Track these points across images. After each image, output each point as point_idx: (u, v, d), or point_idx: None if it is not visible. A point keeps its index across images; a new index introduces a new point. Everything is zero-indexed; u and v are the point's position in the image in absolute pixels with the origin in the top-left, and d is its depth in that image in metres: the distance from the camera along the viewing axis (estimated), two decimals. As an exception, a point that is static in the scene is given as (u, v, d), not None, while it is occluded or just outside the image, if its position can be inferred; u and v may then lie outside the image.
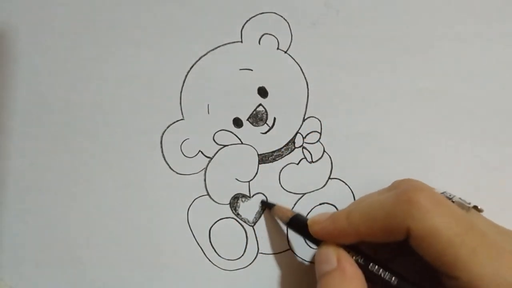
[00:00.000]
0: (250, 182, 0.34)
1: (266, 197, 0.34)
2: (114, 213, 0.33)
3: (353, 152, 0.34)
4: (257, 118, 0.34)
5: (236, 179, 0.34)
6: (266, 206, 0.34)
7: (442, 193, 0.28)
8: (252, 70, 0.34)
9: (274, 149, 0.34)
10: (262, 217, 0.34)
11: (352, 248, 0.29)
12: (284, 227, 0.34)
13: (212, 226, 0.34)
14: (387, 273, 0.27)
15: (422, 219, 0.25)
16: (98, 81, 0.33)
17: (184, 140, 0.34)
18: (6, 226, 0.33)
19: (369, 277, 0.28)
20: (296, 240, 0.34)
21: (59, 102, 0.33)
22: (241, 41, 0.34)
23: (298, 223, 0.31)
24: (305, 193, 0.34)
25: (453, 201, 0.28)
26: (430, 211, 0.25)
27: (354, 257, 0.28)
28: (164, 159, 0.33)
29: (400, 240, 0.26)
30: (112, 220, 0.33)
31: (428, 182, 0.34)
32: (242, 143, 0.34)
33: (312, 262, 0.34)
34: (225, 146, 0.34)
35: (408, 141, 0.34)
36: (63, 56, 0.33)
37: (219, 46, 0.34)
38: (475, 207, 0.28)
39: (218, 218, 0.34)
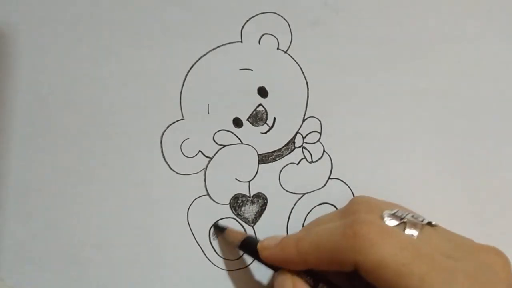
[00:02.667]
0: (250, 182, 0.34)
1: (266, 197, 0.34)
2: (114, 213, 0.33)
3: (353, 152, 0.34)
4: (257, 118, 0.34)
5: (236, 179, 0.34)
6: (219, 230, 0.33)
7: (394, 213, 0.28)
8: (252, 70, 0.34)
9: (274, 149, 0.34)
10: (262, 217, 0.34)
11: (307, 272, 0.28)
12: (284, 227, 0.34)
13: (212, 226, 0.34)
14: None
15: (367, 253, 0.25)
16: (98, 81, 0.33)
17: (184, 140, 0.34)
18: (6, 226, 0.33)
19: None
20: (296, 240, 0.34)
21: (59, 102, 0.33)
22: (241, 41, 0.34)
23: (249, 247, 0.31)
24: (305, 193, 0.34)
25: (404, 221, 0.27)
26: (375, 244, 0.25)
27: (308, 282, 0.28)
28: (164, 159, 0.33)
29: (350, 270, 0.26)
30: (112, 220, 0.33)
31: (427, 181, 0.34)
32: (242, 143, 0.34)
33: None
34: (225, 146, 0.34)
35: (408, 141, 0.34)
36: (63, 56, 0.33)
37: (219, 46, 0.34)
38: (429, 223, 0.27)
39: (218, 218, 0.34)
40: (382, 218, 0.27)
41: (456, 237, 0.28)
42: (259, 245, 0.30)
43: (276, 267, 0.29)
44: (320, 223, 0.30)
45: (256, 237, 0.34)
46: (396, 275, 0.24)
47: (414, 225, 0.27)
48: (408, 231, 0.27)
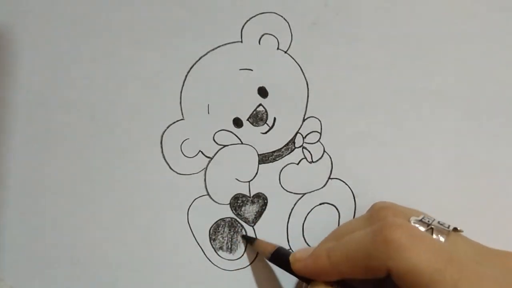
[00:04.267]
0: (250, 182, 0.34)
1: (266, 197, 0.34)
2: (114, 213, 0.33)
3: (353, 152, 0.34)
4: (257, 118, 0.34)
5: (236, 179, 0.34)
6: (247, 241, 0.34)
7: (421, 219, 0.28)
8: (252, 70, 0.34)
9: (274, 149, 0.34)
10: (262, 217, 0.34)
11: (340, 283, 0.28)
12: (284, 227, 0.34)
13: (212, 226, 0.34)
14: None
15: (400, 258, 0.25)
16: (98, 81, 0.33)
17: (184, 140, 0.34)
18: (7, 226, 0.33)
19: None
20: (296, 240, 0.34)
21: (59, 102, 0.33)
22: (241, 41, 0.34)
23: (280, 259, 0.31)
24: (305, 193, 0.34)
25: (432, 227, 0.27)
26: (407, 249, 0.25)
27: None
28: (164, 159, 0.33)
29: (383, 276, 0.26)
30: (112, 220, 0.33)
31: (427, 181, 0.34)
32: (242, 143, 0.34)
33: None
34: (225, 146, 0.34)
35: (408, 141, 0.34)
36: (63, 56, 0.33)
37: (219, 46, 0.34)
38: (455, 229, 0.27)
39: (218, 218, 0.34)
40: (409, 223, 0.27)
41: (477, 244, 0.28)
42: (291, 258, 0.30)
43: (308, 279, 0.29)
44: (347, 230, 0.30)
45: (289, 248, 0.34)
46: (429, 281, 0.24)
47: (441, 232, 0.27)
48: (436, 236, 0.27)
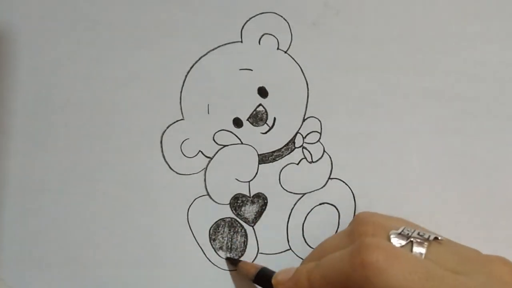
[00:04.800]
0: (250, 182, 0.34)
1: (266, 197, 0.34)
2: (114, 213, 0.33)
3: (353, 152, 0.34)
4: (257, 118, 0.34)
5: (236, 179, 0.34)
6: (231, 263, 0.33)
7: (400, 232, 0.27)
8: (252, 70, 0.34)
9: (274, 149, 0.34)
10: (262, 217, 0.34)
11: None
12: (284, 227, 0.34)
13: (212, 226, 0.34)
14: None
15: (378, 281, 0.24)
16: (98, 81, 0.33)
17: (184, 140, 0.34)
18: (6, 226, 0.33)
19: None
20: (296, 240, 0.34)
21: (59, 102, 0.33)
22: (241, 41, 0.34)
23: (264, 281, 0.31)
24: (305, 193, 0.34)
25: (411, 240, 0.27)
26: (384, 271, 0.24)
27: None
28: (164, 159, 0.33)
29: None
30: (112, 220, 0.33)
31: (427, 181, 0.34)
32: (242, 143, 0.34)
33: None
34: (225, 146, 0.34)
35: (408, 141, 0.34)
36: (63, 56, 0.33)
37: (219, 46, 0.34)
38: (436, 239, 0.27)
39: (218, 218, 0.34)
40: (389, 238, 0.27)
41: (462, 249, 0.27)
42: (273, 281, 0.30)
43: None
44: (329, 248, 0.29)
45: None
46: None
47: (420, 244, 0.27)
48: (416, 249, 0.26)
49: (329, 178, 0.34)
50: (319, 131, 0.34)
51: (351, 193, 0.34)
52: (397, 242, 0.27)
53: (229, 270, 0.34)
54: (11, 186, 0.33)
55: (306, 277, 0.28)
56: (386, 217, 0.30)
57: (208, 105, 0.34)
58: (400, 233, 0.27)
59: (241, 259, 0.33)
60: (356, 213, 0.34)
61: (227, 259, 0.34)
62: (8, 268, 0.33)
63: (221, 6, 0.34)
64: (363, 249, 0.25)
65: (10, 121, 0.33)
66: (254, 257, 0.34)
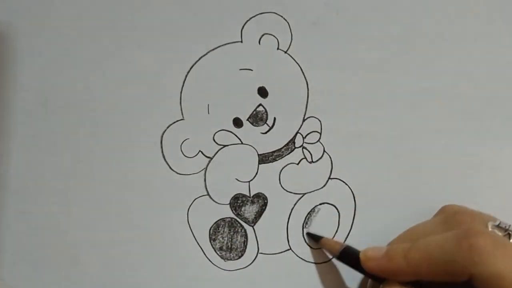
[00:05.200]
0: (250, 182, 0.34)
1: (266, 197, 0.34)
2: (114, 213, 0.33)
3: (353, 152, 0.34)
4: (257, 118, 0.34)
5: (236, 179, 0.34)
6: (312, 238, 0.34)
7: (497, 225, 0.28)
8: (252, 70, 0.34)
9: (274, 149, 0.34)
10: (262, 217, 0.34)
11: (416, 285, 0.28)
12: (284, 227, 0.34)
13: (212, 226, 0.34)
14: None
15: (484, 264, 0.25)
16: (98, 81, 0.33)
17: (184, 140, 0.34)
18: (6, 226, 0.33)
19: None
20: (296, 240, 0.34)
21: (59, 102, 0.33)
22: (241, 41, 0.34)
23: (349, 258, 0.31)
24: (305, 193, 0.34)
25: (509, 232, 0.28)
26: (492, 256, 0.25)
27: None
28: (164, 159, 0.33)
29: (460, 281, 0.26)
30: (112, 220, 0.33)
31: (427, 181, 0.34)
32: (242, 143, 0.34)
33: (312, 262, 0.34)
34: (225, 146, 0.34)
35: (408, 141, 0.34)
36: (63, 56, 0.33)
37: (219, 46, 0.34)
38: None
39: (218, 218, 0.34)
40: (488, 229, 0.28)
41: None
42: (362, 256, 0.30)
43: (379, 278, 0.29)
44: (422, 233, 0.30)
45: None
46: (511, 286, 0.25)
47: None
48: None
49: (329, 178, 0.34)
50: (319, 131, 0.34)
51: (351, 193, 0.34)
52: (495, 232, 0.28)
53: (229, 270, 0.34)
54: (11, 186, 0.33)
55: (403, 255, 0.28)
56: (478, 211, 0.31)
57: (208, 105, 0.34)
58: (497, 225, 0.28)
59: (323, 236, 0.33)
60: (356, 213, 0.34)
61: (308, 234, 0.34)
62: (8, 268, 0.33)
63: (221, 6, 0.34)
64: (472, 233, 0.26)
65: (10, 121, 0.33)
66: (254, 257, 0.34)
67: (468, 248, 0.26)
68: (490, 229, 0.28)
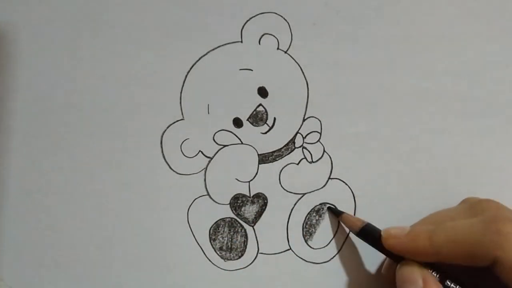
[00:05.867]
0: (250, 182, 0.34)
1: (266, 197, 0.34)
2: (114, 213, 0.33)
3: (353, 152, 0.34)
4: (257, 118, 0.34)
5: (236, 179, 0.34)
6: (333, 213, 0.34)
7: None
8: (252, 70, 0.34)
9: (274, 149, 0.34)
10: (262, 217, 0.34)
11: (433, 266, 0.29)
12: (284, 227, 0.34)
13: (212, 226, 0.34)
14: None
15: (510, 250, 0.26)
16: (98, 81, 0.33)
17: (184, 140, 0.34)
18: (7, 226, 0.33)
19: None
20: (296, 240, 0.34)
21: (59, 102, 0.33)
22: (241, 41, 0.34)
23: (370, 234, 0.31)
24: (305, 193, 0.34)
25: None
26: None
27: (437, 277, 0.28)
28: (164, 159, 0.33)
29: (482, 266, 0.27)
30: (112, 220, 0.33)
31: (426, 181, 0.34)
32: (242, 143, 0.34)
33: (312, 262, 0.34)
34: (225, 146, 0.34)
35: (408, 141, 0.34)
36: (63, 56, 0.33)
37: (219, 46, 0.34)
38: None
39: (218, 218, 0.34)
40: None
41: None
42: (383, 233, 0.30)
43: (398, 257, 0.29)
44: (447, 217, 0.30)
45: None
46: None
47: None
48: None
49: (329, 178, 0.34)
50: (319, 131, 0.34)
51: (351, 193, 0.34)
52: None
53: (229, 270, 0.34)
54: (11, 186, 0.33)
55: (427, 235, 0.28)
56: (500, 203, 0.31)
57: (208, 105, 0.34)
58: None
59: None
60: (356, 213, 0.34)
61: (329, 208, 0.34)
62: (8, 268, 0.33)
63: (221, 6, 0.34)
64: (500, 219, 0.27)
65: (10, 121, 0.33)
66: (254, 257, 0.34)
67: (495, 232, 0.26)
68: None
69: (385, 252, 0.30)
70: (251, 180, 0.34)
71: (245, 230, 0.34)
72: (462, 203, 0.32)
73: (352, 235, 0.34)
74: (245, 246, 0.34)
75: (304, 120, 0.34)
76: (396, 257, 0.30)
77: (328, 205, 0.34)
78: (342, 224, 0.34)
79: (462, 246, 0.27)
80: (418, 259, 0.29)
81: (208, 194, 0.34)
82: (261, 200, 0.34)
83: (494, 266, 0.26)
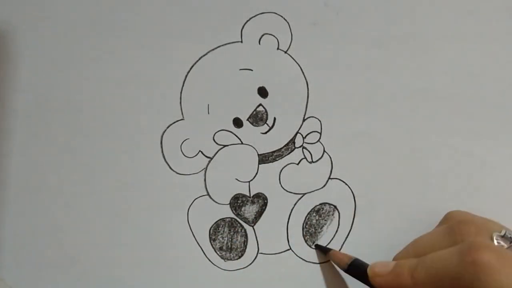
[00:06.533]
0: (250, 182, 0.34)
1: (266, 197, 0.34)
2: (114, 213, 0.33)
3: (353, 152, 0.34)
4: (257, 118, 0.34)
5: (236, 179, 0.34)
6: (321, 250, 0.34)
7: (503, 235, 0.28)
8: (252, 70, 0.34)
9: (274, 149, 0.34)
10: (262, 217, 0.34)
11: None
12: (284, 227, 0.34)
13: (212, 226, 0.34)
14: None
15: (489, 281, 0.25)
16: (98, 81, 0.33)
17: (184, 140, 0.34)
18: (7, 226, 0.33)
19: None
20: (296, 240, 0.34)
21: (59, 102, 0.33)
22: (241, 41, 0.34)
23: (357, 271, 0.31)
24: (305, 193, 0.34)
25: None
26: (497, 271, 0.25)
27: None
28: (164, 159, 0.33)
29: None
30: (112, 220, 0.33)
31: (426, 181, 0.34)
32: (242, 143, 0.34)
33: (312, 262, 0.34)
34: (225, 146, 0.34)
35: (408, 141, 0.34)
36: (63, 56, 0.33)
37: (219, 46, 0.34)
38: None
39: (218, 218, 0.34)
40: (492, 240, 0.28)
41: None
42: (369, 271, 0.30)
43: None
44: (427, 246, 0.30)
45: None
46: None
47: None
48: None
49: (329, 178, 0.34)
50: (319, 131, 0.34)
51: (351, 193, 0.34)
52: (501, 244, 0.27)
53: (229, 270, 0.34)
54: (11, 186, 0.33)
55: (409, 272, 0.28)
56: (482, 218, 0.30)
57: (208, 105, 0.34)
58: (503, 236, 0.28)
59: (330, 247, 0.34)
60: (356, 213, 0.34)
61: (317, 246, 0.34)
62: (8, 268, 0.33)
63: (221, 6, 0.34)
64: (474, 249, 0.26)
65: (10, 121, 0.33)
66: (254, 257, 0.34)
67: (471, 263, 0.25)
68: (495, 240, 0.28)
69: None
70: (251, 180, 0.34)
71: (245, 230, 0.34)
72: (443, 221, 0.32)
73: (351, 234, 0.34)
74: (245, 246, 0.34)
75: (304, 120, 0.34)
76: None
77: (316, 243, 0.34)
78: (332, 262, 0.34)
79: (442, 281, 0.26)
80: None
81: (208, 194, 0.34)
82: (261, 200, 0.34)
83: None
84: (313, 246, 0.34)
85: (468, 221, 0.30)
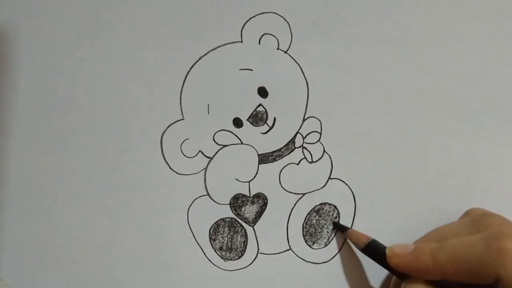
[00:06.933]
0: (250, 182, 0.34)
1: (266, 197, 0.34)
2: (114, 213, 0.33)
3: (353, 152, 0.34)
4: (257, 118, 0.34)
5: (236, 179, 0.34)
6: (338, 228, 0.34)
7: None
8: (252, 70, 0.34)
9: (274, 149, 0.34)
10: (262, 217, 0.34)
11: (438, 284, 0.28)
12: (284, 227, 0.34)
13: (212, 226, 0.34)
14: None
15: None
16: (98, 81, 0.33)
17: (184, 140, 0.34)
18: (7, 226, 0.33)
19: None
20: (296, 240, 0.34)
21: (59, 102, 0.33)
22: (241, 41, 0.34)
23: (375, 252, 0.31)
24: (305, 193, 0.34)
25: None
26: None
27: None
28: (164, 159, 0.33)
29: (486, 284, 0.26)
30: (112, 220, 0.33)
31: (426, 181, 0.34)
32: (242, 143, 0.34)
33: (312, 262, 0.34)
34: (225, 146, 0.34)
35: (408, 141, 0.34)
36: (63, 56, 0.33)
37: (219, 46, 0.34)
38: None
39: (218, 218, 0.34)
40: None
41: None
42: (388, 252, 0.30)
43: (403, 275, 0.29)
44: (449, 234, 0.30)
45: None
46: None
47: None
48: None
49: (329, 178, 0.34)
50: (319, 131, 0.34)
51: (351, 193, 0.34)
52: None
53: (229, 270, 0.34)
54: (11, 186, 0.33)
55: (430, 253, 0.28)
56: (503, 216, 0.30)
57: (208, 105, 0.34)
58: None
59: (350, 227, 0.33)
60: (356, 213, 0.34)
61: (335, 224, 0.34)
62: (8, 268, 0.33)
63: (221, 6, 0.34)
64: (501, 236, 0.26)
65: (10, 121, 0.33)
66: (254, 257, 0.34)
67: (497, 250, 0.26)
68: None
69: (390, 270, 0.30)
70: (251, 180, 0.34)
71: (245, 230, 0.34)
72: (465, 216, 0.32)
73: (352, 235, 0.34)
74: (245, 246, 0.34)
75: (304, 120, 0.34)
76: (401, 275, 0.30)
77: (333, 221, 0.34)
78: (348, 240, 0.34)
79: (464, 265, 0.27)
80: (422, 277, 0.29)
81: (208, 194, 0.34)
82: (261, 200, 0.34)
83: (497, 285, 0.26)
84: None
85: (492, 215, 0.30)
